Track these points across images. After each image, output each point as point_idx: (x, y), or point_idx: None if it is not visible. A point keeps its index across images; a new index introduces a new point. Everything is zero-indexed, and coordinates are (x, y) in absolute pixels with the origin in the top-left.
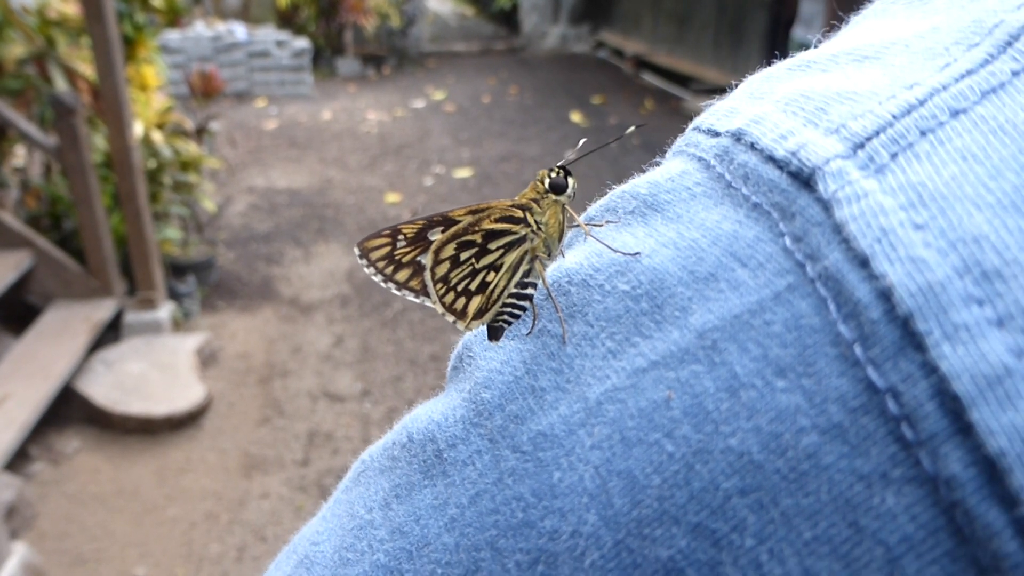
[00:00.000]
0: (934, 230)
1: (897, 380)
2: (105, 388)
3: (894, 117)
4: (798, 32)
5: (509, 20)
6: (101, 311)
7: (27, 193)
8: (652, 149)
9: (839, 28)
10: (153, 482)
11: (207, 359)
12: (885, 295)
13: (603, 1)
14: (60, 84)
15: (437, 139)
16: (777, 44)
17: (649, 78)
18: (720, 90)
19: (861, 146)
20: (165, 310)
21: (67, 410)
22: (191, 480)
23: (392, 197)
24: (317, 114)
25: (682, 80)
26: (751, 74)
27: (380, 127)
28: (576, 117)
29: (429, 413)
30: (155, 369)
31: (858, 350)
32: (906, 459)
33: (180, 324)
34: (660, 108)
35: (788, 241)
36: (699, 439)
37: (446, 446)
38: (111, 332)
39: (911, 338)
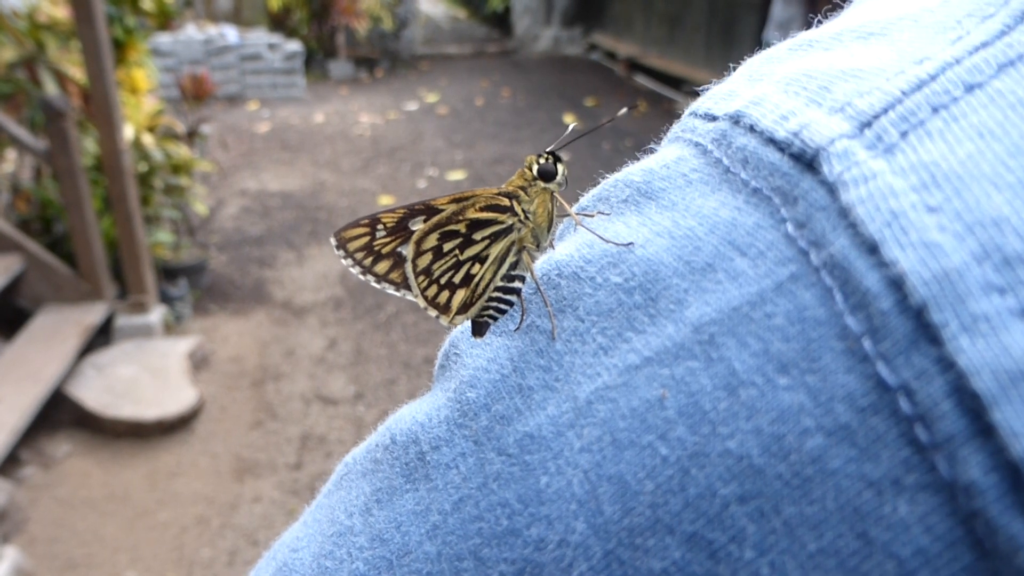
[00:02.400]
0: (949, 213)
1: (910, 377)
2: (96, 392)
3: (903, 93)
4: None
5: (502, 22)
6: (92, 315)
7: (17, 197)
8: (645, 150)
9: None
10: (144, 486)
11: (199, 362)
12: (896, 284)
13: (595, 3)
14: (50, 88)
15: (430, 141)
16: (769, 45)
17: (642, 80)
18: None
19: (868, 125)
20: (156, 314)
21: (58, 414)
22: (182, 484)
23: (385, 200)
24: (309, 117)
25: (674, 82)
26: None
27: (373, 130)
28: (569, 119)
29: (413, 414)
30: (146, 373)
31: (867, 344)
32: (920, 463)
33: (172, 327)
34: (653, 110)
35: (790, 227)
36: (695, 441)
37: (429, 448)
38: (102, 336)
39: (925, 330)
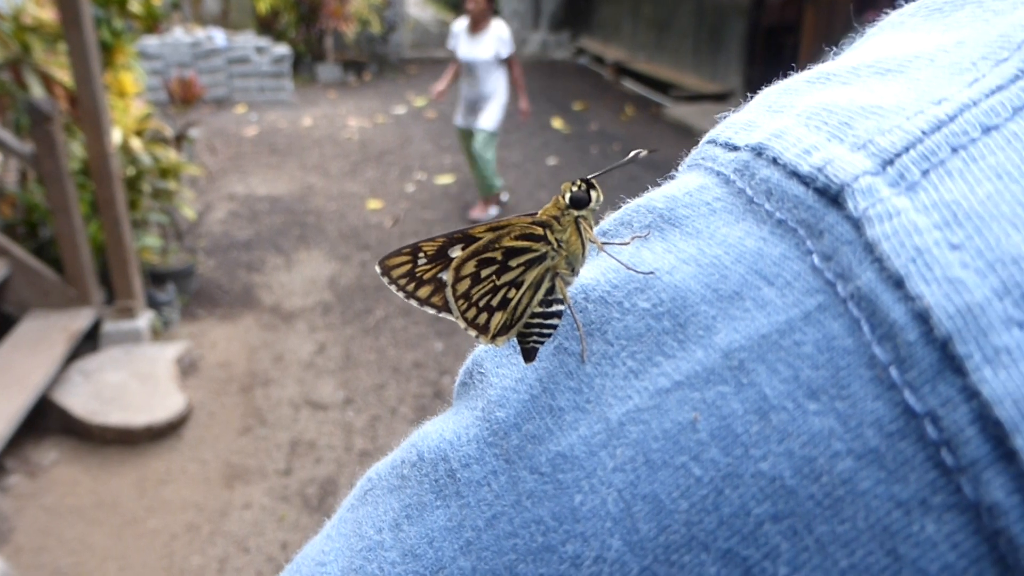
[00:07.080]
0: (971, 250)
1: (936, 404)
2: (83, 399)
3: (923, 133)
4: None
5: None
6: (79, 320)
7: (2, 201)
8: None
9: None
10: (133, 494)
11: (187, 368)
12: (922, 317)
13: (583, 8)
14: (36, 90)
15: (419, 145)
16: (756, 50)
17: (629, 84)
18: (699, 96)
19: (890, 162)
20: (144, 319)
21: (44, 421)
22: (171, 491)
23: (374, 204)
24: (297, 120)
25: (662, 86)
26: (731, 80)
27: (361, 133)
28: (557, 123)
29: (440, 431)
30: (134, 379)
31: (894, 373)
32: (946, 485)
33: (159, 333)
34: (640, 114)
35: (816, 259)
36: (728, 463)
37: (459, 466)
38: (89, 342)
39: (950, 361)
